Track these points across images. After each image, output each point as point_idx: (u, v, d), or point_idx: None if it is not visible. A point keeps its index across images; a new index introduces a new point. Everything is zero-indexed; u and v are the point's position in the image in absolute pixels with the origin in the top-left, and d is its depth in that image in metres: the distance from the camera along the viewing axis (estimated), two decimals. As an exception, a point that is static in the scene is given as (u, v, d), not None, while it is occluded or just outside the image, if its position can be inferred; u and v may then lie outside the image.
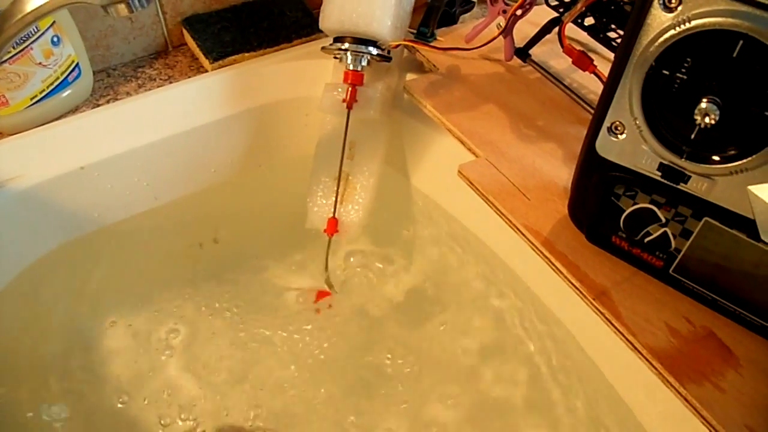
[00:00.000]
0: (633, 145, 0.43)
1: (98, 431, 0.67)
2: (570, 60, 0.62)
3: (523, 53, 0.68)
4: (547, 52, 0.69)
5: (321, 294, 0.71)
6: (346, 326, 0.76)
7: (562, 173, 0.56)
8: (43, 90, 0.65)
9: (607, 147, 0.44)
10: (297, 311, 0.77)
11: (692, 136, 0.40)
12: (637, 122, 0.42)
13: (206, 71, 0.72)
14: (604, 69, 0.60)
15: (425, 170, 0.71)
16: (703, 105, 0.37)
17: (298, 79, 0.72)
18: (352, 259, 0.79)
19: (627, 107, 0.42)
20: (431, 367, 0.72)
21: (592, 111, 0.62)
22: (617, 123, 0.43)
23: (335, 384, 0.72)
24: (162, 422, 0.69)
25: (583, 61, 0.61)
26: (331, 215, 0.65)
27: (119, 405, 0.69)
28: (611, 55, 0.67)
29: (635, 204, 0.46)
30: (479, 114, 0.61)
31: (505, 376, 0.69)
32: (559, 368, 0.63)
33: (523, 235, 0.51)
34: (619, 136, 0.43)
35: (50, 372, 0.69)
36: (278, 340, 0.75)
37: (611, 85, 0.42)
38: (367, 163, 0.67)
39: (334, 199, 0.65)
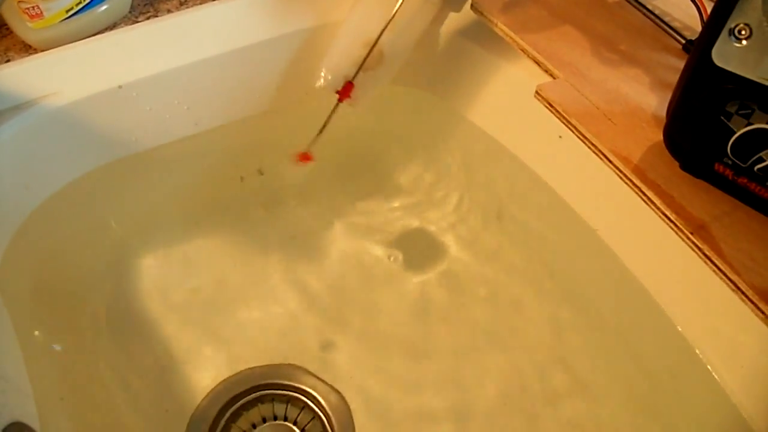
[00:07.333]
0: (759, 52, 0.37)
1: (132, 360, 0.64)
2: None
3: (601, -25, 0.62)
4: (627, -24, 0.63)
5: (303, 156, 0.65)
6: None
7: (651, 100, 0.51)
8: (79, 2, 0.61)
9: (727, 54, 0.39)
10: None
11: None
12: (769, 23, 0.36)
13: (253, -12, 0.67)
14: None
15: (485, 103, 0.65)
16: None
17: None
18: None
19: (758, 6, 0.36)
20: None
21: (681, 39, 0.57)
22: (742, 26, 0.37)
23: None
24: (198, 353, 0.66)
25: (675, -21, 0.55)
26: (350, 79, 0.61)
27: (154, 334, 0.66)
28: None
29: (749, 124, 0.40)
30: (556, 35, 0.56)
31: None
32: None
33: (611, 162, 0.46)
34: (743, 41, 0.38)
35: (80, 300, 0.66)
36: (325, 278, 0.71)
37: (737, -20, 0.37)
38: (405, 40, 0.62)
39: (356, 63, 0.60)
